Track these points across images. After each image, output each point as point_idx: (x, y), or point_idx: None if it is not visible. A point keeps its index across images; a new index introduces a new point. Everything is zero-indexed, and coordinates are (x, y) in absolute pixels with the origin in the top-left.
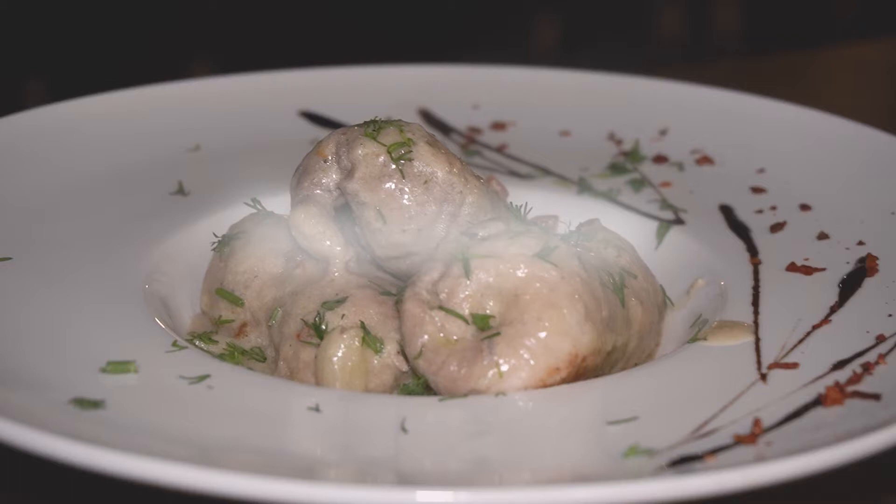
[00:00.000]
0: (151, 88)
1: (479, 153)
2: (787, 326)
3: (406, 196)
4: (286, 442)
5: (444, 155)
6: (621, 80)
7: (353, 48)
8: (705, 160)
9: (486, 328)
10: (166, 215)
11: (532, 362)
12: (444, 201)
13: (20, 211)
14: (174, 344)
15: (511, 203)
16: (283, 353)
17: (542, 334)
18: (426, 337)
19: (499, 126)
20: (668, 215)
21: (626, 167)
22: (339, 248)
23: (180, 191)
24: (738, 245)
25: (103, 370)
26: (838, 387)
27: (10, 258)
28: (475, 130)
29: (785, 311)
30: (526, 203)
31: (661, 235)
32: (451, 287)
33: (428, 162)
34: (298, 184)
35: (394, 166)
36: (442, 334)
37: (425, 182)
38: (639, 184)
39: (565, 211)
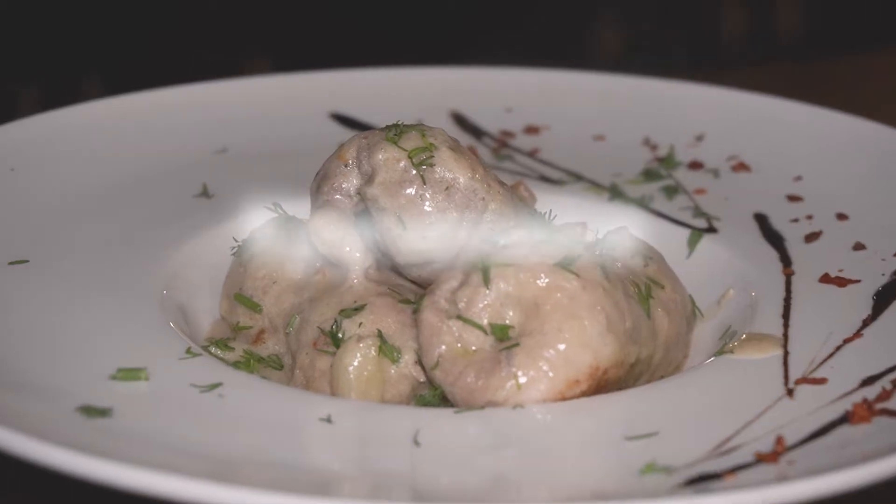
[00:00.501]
0: (179, 89)
1: (510, 157)
2: (817, 340)
3: (427, 202)
4: (296, 454)
5: (467, 161)
6: (658, 84)
7: (385, 49)
8: (741, 167)
9: (505, 339)
10: (188, 218)
11: (551, 374)
12: (466, 208)
13: (41, 212)
14: (188, 351)
15: (537, 210)
16: (299, 362)
17: (562, 346)
18: (443, 347)
19: (532, 130)
20: (701, 223)
21: (660, 173)
22: (358, 255)
23: (204, 193)
24: (772, 255)
25: (113, 377)
26: (866, 404)
27: (26, 261)
28: (507, 134)
29: (816, 324)
30: (550, 210)
31: (692, 244)
32: (470, 296)
33: (450, 168)
34: (318, 188)
35: (415, 172)
36: (459, 344)
37: (447, 188)
38: (672, 191)
39: (596, 218)
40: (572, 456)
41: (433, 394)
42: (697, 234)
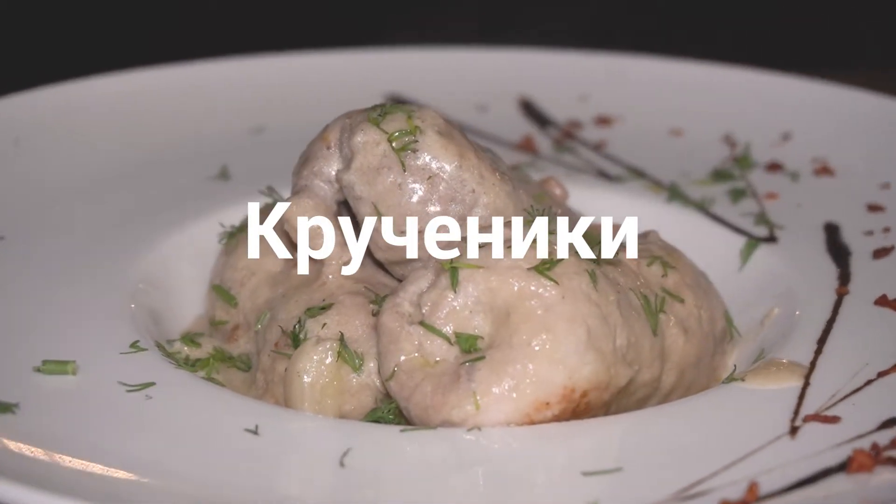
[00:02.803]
0: (217, 63)
1: (571, 150)
2: (848, 371)
3: (406, 192)
4: (206, 470)
5: (457, 147)
6: (746, 76)
7: (453, 27)
8: (824, 171)
9: (472, 350)
10: (195, 201)
11: (514, 395)
12: (452, 200)
13: (40, 188)
14: (133, 345)
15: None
16: (261, 363)
17: (531, 362)
18: (402, 356)
19: (603, 121)
20: (762, 232)
21: (731, 174)
22: (334, 248)
23: (222, 175)
24: (831, 271)
25: (37, 369)
26: (874, 449)
27: (1, 237)
28: (575, 125)
29: (852, 353)
30: (550, 208)
31: (746, 254)
32: (435, 300)
33: (435, 154)
34: (297, 172)
35: (395, 157)
36: (417, 354)
37: (430, 177)
38: (739, 193)
39: (646, 220)
40: (510, 490)
41: (388, 408)
42: (753, 243)
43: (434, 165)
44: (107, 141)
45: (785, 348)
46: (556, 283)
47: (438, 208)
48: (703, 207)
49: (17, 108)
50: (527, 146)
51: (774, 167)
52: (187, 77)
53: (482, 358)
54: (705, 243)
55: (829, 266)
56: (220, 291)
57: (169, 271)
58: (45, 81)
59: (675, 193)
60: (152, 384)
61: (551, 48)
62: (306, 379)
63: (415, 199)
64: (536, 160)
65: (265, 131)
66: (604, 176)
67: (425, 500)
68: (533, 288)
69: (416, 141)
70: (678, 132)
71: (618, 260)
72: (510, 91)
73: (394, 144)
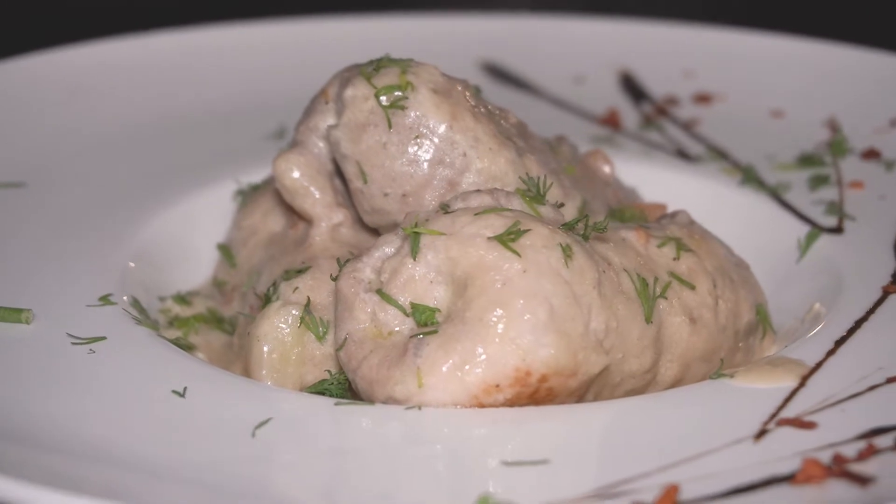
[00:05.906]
0: (304, 22)
1: (658, 127)
2: (855, 374)
3: (391, 152)
4: (119, 430)
5: (450, 107)
6: (859, 56)
7: None
8: None
9: (429, 323)
10: (238, 160)
11: (459, 374)
12: (440, 163)
13: (91, 139)
14: (102, 298)
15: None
16: (238, 326)
17: (482, 339)
18: (358, 325)
19: (703, 98)
20: (830, 222)
21: (821, 159)
22: (322, 208)
23: (278, 135)
24: (889, 267)
25: None
26: (836, 461)
27: (22, 184)
28: (671, 101)
29: (870, 355)
30: (544, 178)
31: (806, 245)
32: (395, 267)
33: (425, 112)
34: (297, 126)
35: (383, 114)
36: (366, 325)
37: (417, 137)
38: (821, 181)
39: (708, 202)
40: (413, 475)
41: (335, 379)
42: (815, 233)
43: (423, 125)
44: (168, 97)
45: (802, 346)
46: (518, 255)
47: (425, 171)
48: (775, 193)
49: (81, 58)
50: (610, 120)
51: (871, 154)
52: (266, 35)
53: (434, 332)
54: (768, 230)
55: (888, 262)
56: (223, 251)
57: (191, 229)
58: (115, 33)
59: (749, 177)
60: (102, 339)
61: (660, 20)
62: (265, 345)
63: (400, 160)
64: (616, 135)
65: None
66: (682, 155)
67: (315, 480)
68: (492, 259)
69: (407, 98)
70: (779, 113)
71: (619, 238)
72: (612, 63)
73: (382, 100)
